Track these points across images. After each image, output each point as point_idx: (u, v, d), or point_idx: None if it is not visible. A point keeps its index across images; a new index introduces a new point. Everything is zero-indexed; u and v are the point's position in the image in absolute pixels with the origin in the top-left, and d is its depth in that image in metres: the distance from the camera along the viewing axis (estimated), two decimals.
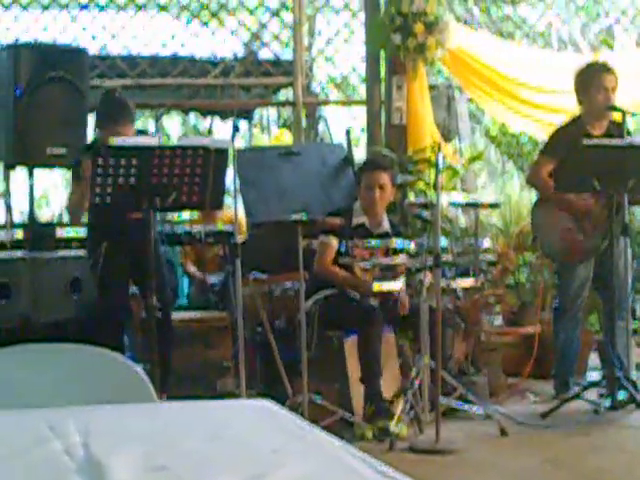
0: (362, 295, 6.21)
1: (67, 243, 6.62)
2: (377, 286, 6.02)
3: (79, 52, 6.99)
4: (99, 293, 6.00)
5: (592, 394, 6.38)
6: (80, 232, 6.26)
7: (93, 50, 8.34)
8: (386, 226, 6.42)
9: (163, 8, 8.83)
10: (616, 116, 6.60)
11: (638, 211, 7.76)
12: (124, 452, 1.88)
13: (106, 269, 5.92)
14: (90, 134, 6.61)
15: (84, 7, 8.63)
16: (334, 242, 6.20)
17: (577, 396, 6.32)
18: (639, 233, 7.57)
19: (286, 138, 10.33)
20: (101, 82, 8.36)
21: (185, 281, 8.07)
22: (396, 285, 6.07)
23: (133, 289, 6.31)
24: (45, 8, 8.62)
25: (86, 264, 6.12)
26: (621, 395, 6.13)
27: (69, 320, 6.26)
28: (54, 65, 6.23)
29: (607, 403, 6.17)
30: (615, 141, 6.27)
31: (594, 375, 7.08)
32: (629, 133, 6.56)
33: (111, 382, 2.57)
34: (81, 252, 6.33)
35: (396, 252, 5.95)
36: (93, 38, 8.58)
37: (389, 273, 6.23)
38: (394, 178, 6.48)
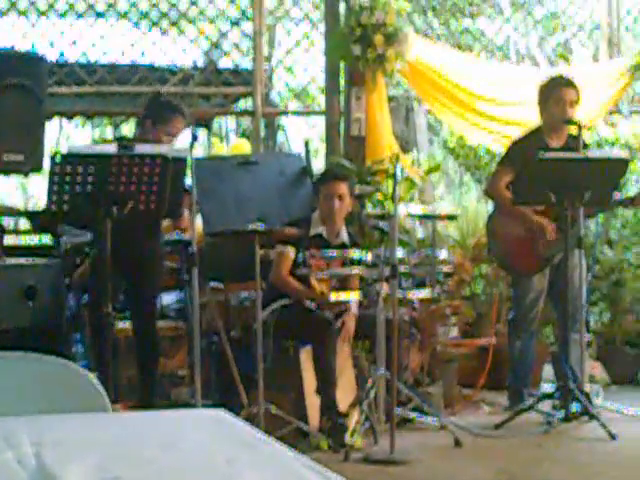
0: (318, 306, 6.21)
1: (24, 250, 6.59)
2: (334, 296, 6.03)
3: (37, 59, 6.95)
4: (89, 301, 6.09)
5: (546, 406, 6.42)
6: (34, 240, 6.24)
7: (51, 57, 8.29)
8: (344, 237, 6.42)
9: (123, 16, 8.79)
10: (573, 129, 6.67)
11: (593, 224, 7.82)
12: (77, 462, 1.86)
13: (94, 279, 5.95)
14: (47, 141, 6.58)
15: (43, 14, 8.58)
16: (291, 252, 6.20)
17: (531, 407, 6.37)
18: (593, 245, 7.64)
19: (245, 148, 10.30)
20: (59, 89, 8.31)
21: None
22: (353, 296, 6.08)
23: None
24: (3, 14, 8.56)
25: (42, 272, 6.09)
26: (574, 407, 6.18)
27: (24, 328, 6.22)
28: (12, 71, 6.19)
29: (560, 415, 6.22)
30: (571, 154, 6.33)
31: (548, 387, 7.13)
32: (586, 146, 6.63)
33: (65, 391, 2.55)
34: (37, 260, 6.30)
35: (353, 263, 5.97)
36: (51, 45, 8.52)
37: (346, 283, 6.25)
38: (352, 189, 6.49)
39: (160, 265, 6.24)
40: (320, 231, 6.33)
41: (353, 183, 6.60)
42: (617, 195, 6.72)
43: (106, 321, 5.39)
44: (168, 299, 7.28)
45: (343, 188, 6.33)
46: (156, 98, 6.51)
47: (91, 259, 6.14)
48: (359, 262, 5.94)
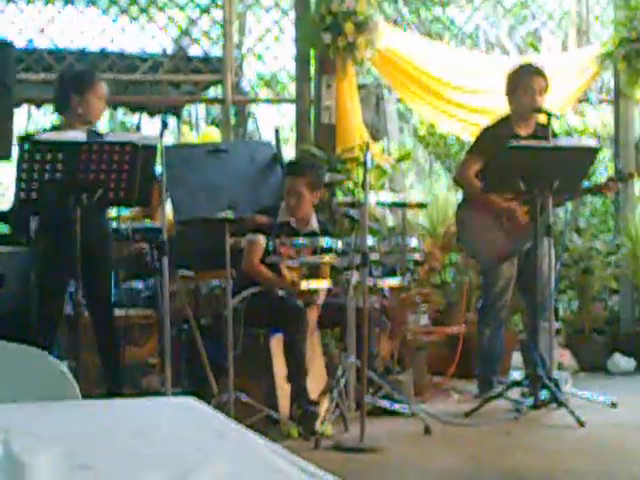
0: (288, 294, 6.20)
1: None
2: (304, 284, 6.03)
3: (5, 45, 6.90)
4: (38, 290, 5.96)
5: (515, 393, 6.46)
6: (2, 228, 6.19)
7: (19, 44, 8.22)
8: (314, 225, 6.41)
9: (92, 2, 8.73)
10: (542, 118, 6.69)
11: (562, 212, 7.87)
12: (46, 451, 1.86)
13: (46, 265, 5.86)
14: (15, 128, 6.53)
15: (10, 0, 8.51)
16: (262, 240, 6.19)
17: (500, 395, 6.40)
18: (562, 234, 7.68)
19: (215, 136, 10.28)
20: (27, 76, 8.26)
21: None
22: (324, 284, 6.08)
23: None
24: None
25: (10, 259, 6.05)
26: (543, 394, 6.21)
27: None
28: None
29: (529, 402, 6.26)
30: (541, 143, 6.36)
31: (517, 374, 7.17)
32: (555, 135, 6.65)
33: (34, 380, 2.54)
34: (4, 248, 6.26)
35: (323, 251, 5.96)
36: (20, 31, 8.45)
37: (316, 271, 6.24)
38: (319, 179, 6.45)
39: (109, 248, 6.12)
40: (288, 219, 6.31)
41: (322, 173, 6.57)
42: (585, 184, 6.76)
43: (77, 310, 5.38)
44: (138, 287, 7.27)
45: (300, 184, 6.27)
46: (66, 74, 6.35)
47: (43, 247, 5.98)
48: (329, 250, 5.94)
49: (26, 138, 5.70)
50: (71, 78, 6.10)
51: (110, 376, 6.03)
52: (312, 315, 6.22)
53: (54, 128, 6.07)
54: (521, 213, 6.59)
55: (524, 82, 6.70)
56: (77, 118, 5.92)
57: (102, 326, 6.03)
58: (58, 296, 5.95)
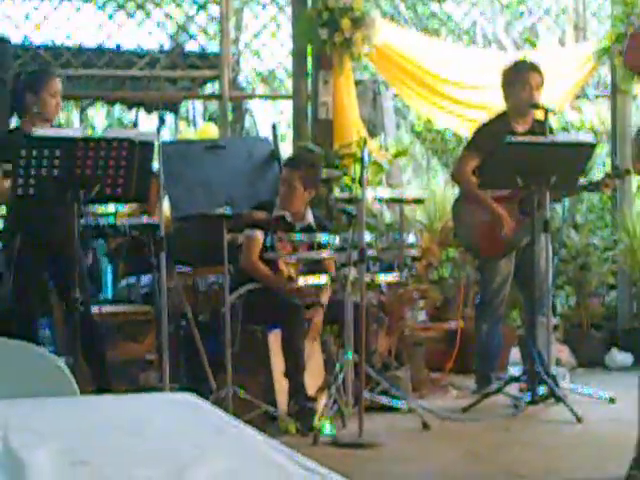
0: (286, 294, 6.18)
1: None
2: (302, 281, 6.02)
3: (1, 42, 6.90)
4: (13, 287, 5.91)
5: (513, 389, 6.46)
6: None
7: (16, 40, 8.21)
8: (310, 219, 6.41)
9: None
10: (539, 114, 6.69)
11: (559, 208, 7.87)
12: (44, 447, 1.86)
13: (21, 263, 5.83)
14: (12, 124, 6.52)
15: None
16: (260, 236, 6.19)
17: (498, 391, 6.40)
18: (559, 229, 7.68)
19: (212, 132, 10.27)
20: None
21: (109, 274, 8.00)
22: (321, 280, 6.07)
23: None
24: None
25: (4, 256, 6.03)
26: (541, 390, 6.22)
27: None
28: None
29: (527, 398, 6.26)
30: (538, 139, 6.35)
31: (515, 370, 7.16)
32: (551, 131, 6.65)
33: (32, 375, 2.54)
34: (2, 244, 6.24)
35: (320, 246, 5.96)
36: (16, 28, 8.44)
37: (314, 267, 6.24)
38: (317, 175, 6.46)
39: (79, 244, 6.06)
40: (283, 213, 6.31)
41: (319, 172, 6.58)
42: (583, 179, 6.76)
43: (73, 306, 5.36)
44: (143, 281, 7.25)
45: (293, 176, 6.29)
46: (21, 75, 6.37)
47: (20, 244, 5.93)
48: (327, 246, 5.94)
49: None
50: (26, 78, 6.12)
51: (97, 375, 6.00)
52: (318, 316, 6.19)
53: (17, 129, 6.08)
54: (508, 226, 6.58)
55: (521, 78, 6.70)
56: (35, 117, 5.90)
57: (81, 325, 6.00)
58: (35, 294, 5.96)
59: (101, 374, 6.02)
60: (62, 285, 5.89)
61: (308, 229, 6.29)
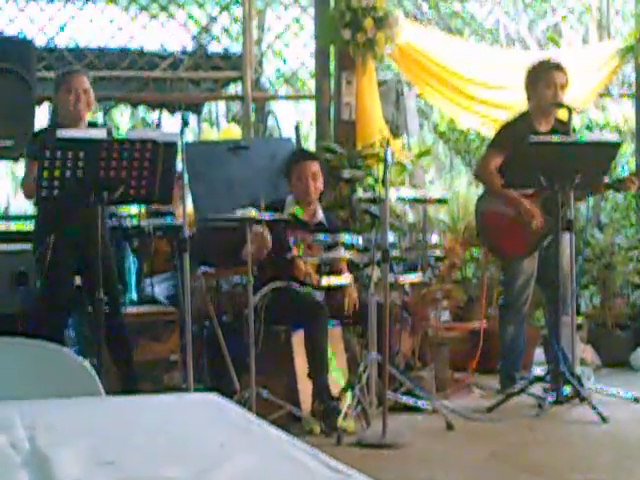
0: (307, 290, 6.17)
1: (12, 236, 6.57)
2: (325, 281, 6.03)
3: (26, 44, 6.94)
4: (43, 287, 5.94)
5: (537, 389, 6.44)
6: (25, 225, 6.21)
7: (40, 42, 8.25)
8: (320, 216, 6.42)
9: (112, 0, 8.76)
10: (562, 113, 6.67)
11: (583, 207, 7.83)
12: (71, 446, 1.87)
13: (52, 263, 5.85)
14: (36, 126, 6.55)
15: None
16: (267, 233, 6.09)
17: (522, 391, 6.38)
18: (583, 229, 7.65)
19: (235, 132, 10.28)
20: (48, 74, 8.28)
21: (133, 275, 8.02)
22: (344, 280, 6.07)
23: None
24: None
25: (32, 257, 6.07)
26: (565, 390, 6.20)
27: (15, 313, 6.21)
28: (0, 56, 6.17)
29: (551, 398, 6.24)
30: (561, 138, 6.33)
31: (539, 370, 7.14)
32: (574, 130, 6.62)
33: (58, 376, 2.55)
34: (26, 246, 6.27)
35: (332, 247, 5.95)
36: (40, 30, 8.49)
37: (333, 267, 6.23)
38: (323, 168, 6.51)
39: (109, 245, 6.09)
40: (294, 212, 6.30)
41: (341, 166, 6.59)
42: (607, 179, 6.73)
43: (98, 307, 5.38)
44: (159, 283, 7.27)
45: (315, 167, 6.34)
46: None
47: (52, 246, 5.96)
48: (350, 246, 5.94)
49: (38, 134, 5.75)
50: (53, 81, 6.17)
51: (124, 376, 6.04)
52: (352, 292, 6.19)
53: (47, 129, 6.13)
54: (537, 217, 6.56)
55: (545, 77, 6.68)
56: (64, 116, 5.96)
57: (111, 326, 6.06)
58: (65, 294, 5.98)
59: (128, 375, 6.04)
60: (91, 286, 5.91)
61: (319, 226, 6.29)
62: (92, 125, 6.07)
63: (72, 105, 5.92)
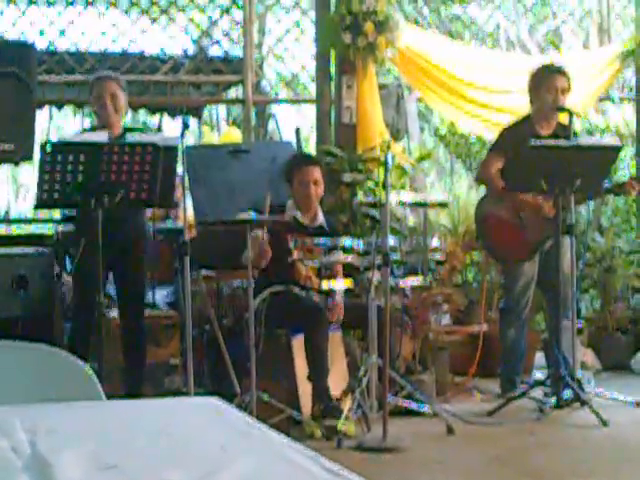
0: (307, 294, 6.18)
1: (12, 240, 6.57)
2: (325, 285, 6.03)
3: (27, 47, 6.94)
4: (74, 291, 6.04)
5: (537, 393, 6.44)
6: (25, 229, 6.21)
7: (41, 45, 8.26)
8: (321, 220, 6.42)
9: (112, 4, 8.76)
10: (563, 117, 6.67)
11: (584, 211, 7.84)
12: (72, 450, 1.87)
13: (82, 266, 5.88)
14: (37, 130, 6.56)
15: (32, 2, 8.54)
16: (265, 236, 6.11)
17: (523, 394, 6.38)
18: (584, 232, 7.65)
19: (236, 136, 10.29)
20: (49, 78, 8.29)
21: None
22: (342, 284, 6.07)
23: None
24: None
25: (33, 261, 6.08)
26: (566, 394, 6.19)
27: (15, 317, 6.21)
28: (1, 60, 6.17)
29: (552, 402, 6.24)
30: (562, 142, 6.33)
31: (539, 374, 7.14)
32: (576, 134, 6.63)
33: (58, 380, 2.55)
34: (27, 249, 6.28)
35: (337, 249, 5.96)
36: (41, 33, 8.49)
37: (333, 271, 6.24)
38: (324, 173, 6.51)
39: (144, 249, 6.17)
40: (295, 215, 6.30)
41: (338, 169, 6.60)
42: (607, 183, 6.73)
43: (99, 310, 5.39)
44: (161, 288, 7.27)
45: (317, 172, 6.35)
46: None
47: (81, 248, 6.03)
48: (350, 250, 5.94)
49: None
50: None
51: (132, 376, 6.06)
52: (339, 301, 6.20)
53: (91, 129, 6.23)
54: (548, 206, 6.56)
55: (547, 81, 6.69)
56: (98, 122, 6.09)
57: (131, 327, 6.10)
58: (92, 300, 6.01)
59: (135, 380, 6.06)
60: (123, 287, 6.01)
61: (320, 229, 6.29)
62: (128, 130, 6.08)
63: (99, 111, 5.99)
